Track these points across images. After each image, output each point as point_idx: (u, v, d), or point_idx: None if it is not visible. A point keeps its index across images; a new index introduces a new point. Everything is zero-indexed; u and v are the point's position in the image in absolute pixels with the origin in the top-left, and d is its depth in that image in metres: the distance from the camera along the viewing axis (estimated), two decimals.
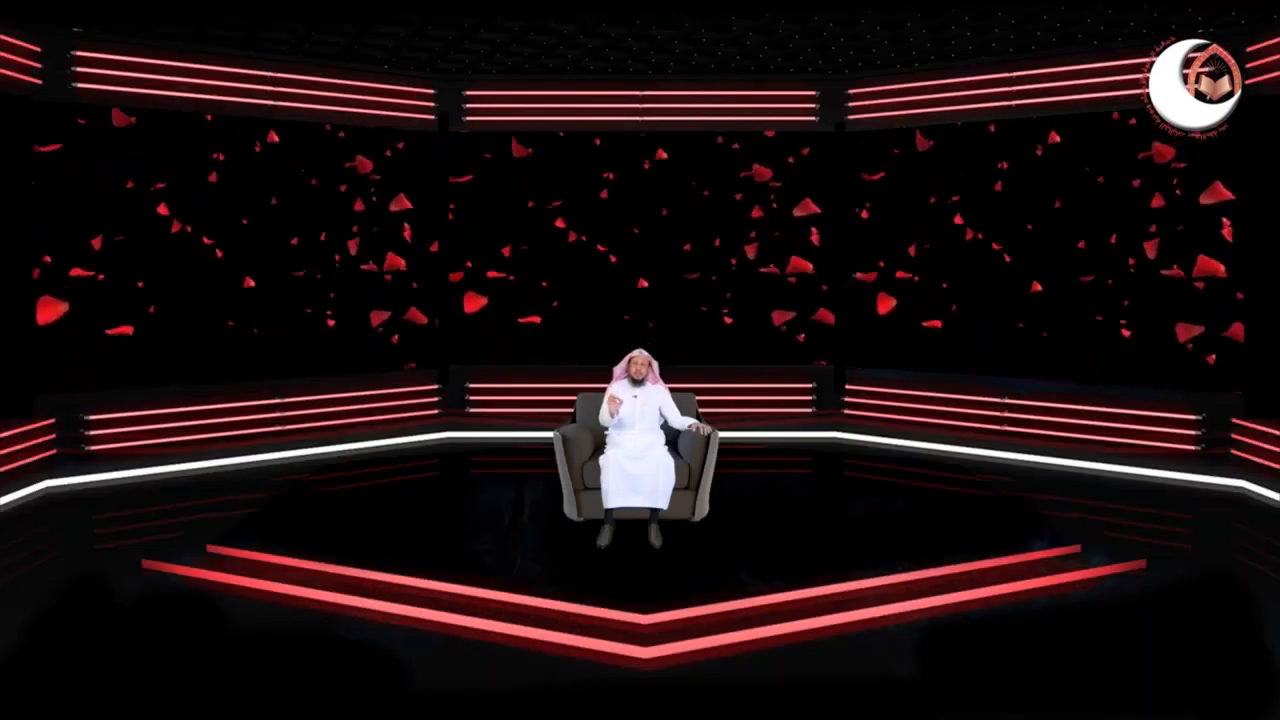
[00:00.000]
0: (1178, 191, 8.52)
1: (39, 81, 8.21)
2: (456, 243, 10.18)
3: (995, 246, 9.39)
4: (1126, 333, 8.79)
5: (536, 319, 10.19)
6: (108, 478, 7.95)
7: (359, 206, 9.75)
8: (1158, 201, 8.59)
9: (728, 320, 10.22)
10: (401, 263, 10.01)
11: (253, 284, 9.23)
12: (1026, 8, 7.67)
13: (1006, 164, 9.28)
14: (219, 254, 9.05)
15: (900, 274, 9.92)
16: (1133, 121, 8.55)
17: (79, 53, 8.38)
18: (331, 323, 9.66)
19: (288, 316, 9.43)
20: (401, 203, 9.98)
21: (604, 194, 10.17)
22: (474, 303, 10.20)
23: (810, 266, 10.19)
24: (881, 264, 10.02)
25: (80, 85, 8.39)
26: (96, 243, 8.49)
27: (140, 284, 8.69)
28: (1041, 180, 9.13)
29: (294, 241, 9.42)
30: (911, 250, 9.84)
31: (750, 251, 10.18)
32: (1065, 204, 9.02)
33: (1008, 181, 9.30)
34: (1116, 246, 8.81)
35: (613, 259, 10.21)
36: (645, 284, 10.21)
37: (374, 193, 9.82)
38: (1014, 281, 9.32)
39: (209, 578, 5.37)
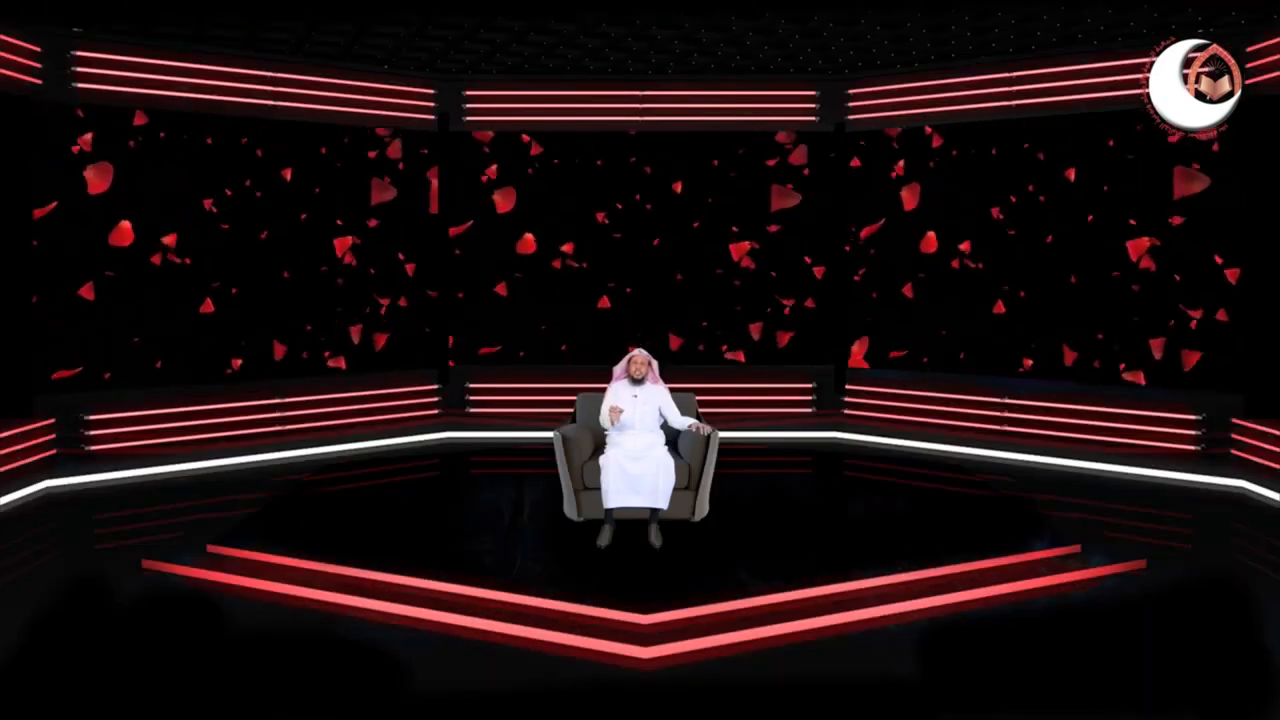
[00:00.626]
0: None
1: (39, 81, 8.21)
2: (455, 245, 10.21)
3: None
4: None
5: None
6: (108, 478, 7.95)
7: (360, 206, 9.77)
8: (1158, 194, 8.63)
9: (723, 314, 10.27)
10: (402, 262, 10.04)
11: (252, 283, 9.25)
12: (1026, 8, 7.67)
13: (1006, 164, 9.29)
14: (219, 254, 9.08)
15: (902, 273, 9.95)
16: (1139, 132, 8.57)
17: (79, 53, 8.38)
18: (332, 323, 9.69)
19: (288, 316, 9.44)
20: (400, 201, 10.00)
21: (600, 198, 10.18)
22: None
23: (809, 265, 10.21)
24: (882, 280, 10.05)
25: (80, 85, 8.39)
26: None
27: (140, 283, 8.71)
28: (1042, 181, 9.14)
29: (285, 258, 9.45)
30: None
31: (750, 249, 10.20)
32: (1067, 204, 9.05)
33: (1009, 181, 9.31)
34: (1117, 248, 8.82)
35: (612, 262, 10.23)
36: (644, 284, 10.23)
37: (375, 193, 9.83)
38: (1013, 280, 9.33)
39: (209, 578, 5.37)
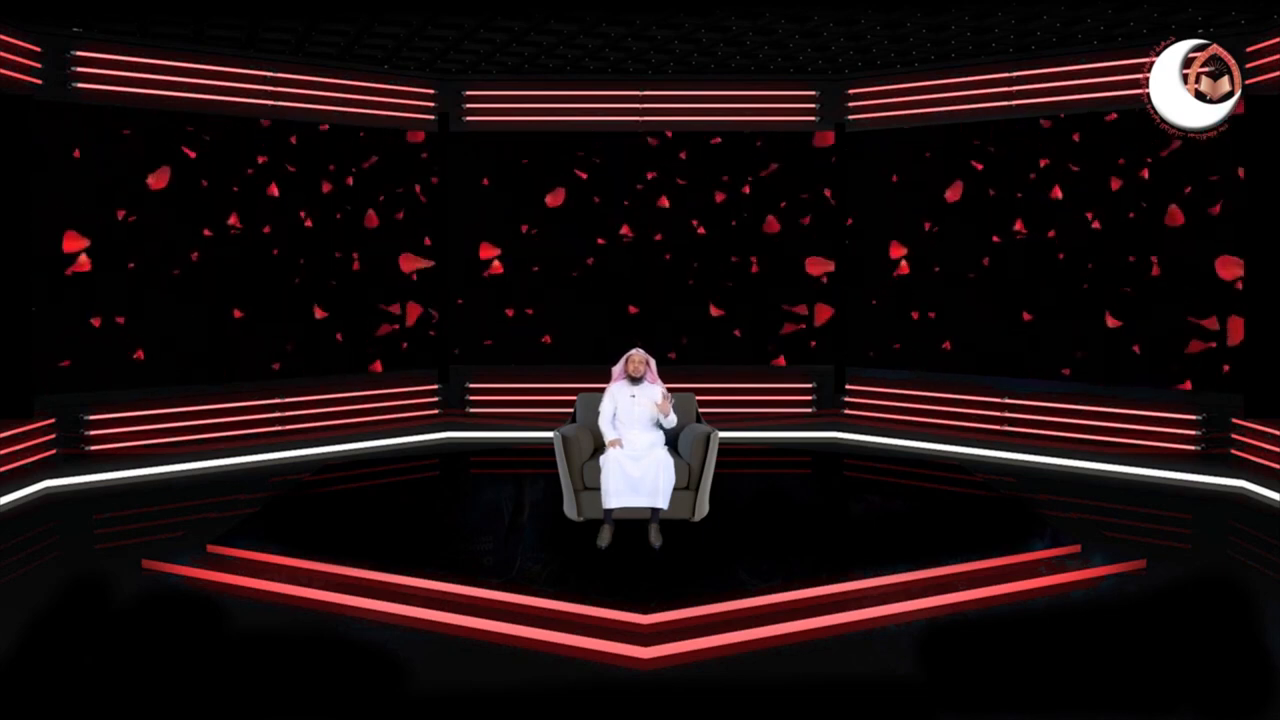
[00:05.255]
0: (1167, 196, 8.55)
1: (39, 81, 8.21)
2: (454, 246, 10.21)
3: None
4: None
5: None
6: (108, 478, 7.95)
7: (360, 204, 9.77)
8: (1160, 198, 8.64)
9: (724, 316, 10.26)
10: (401, 263, 10.03)
11: (252, 283, 9.25)
12: (1026, 8, 7.67)
13: (1006, 164, 9.29)
14: (220, 254, 9.08)
15: (900, 273, 9.94)
16: (1140, 132, 8.56)
17: (79, 53, 8.38)
18: (324, 316, 9.68)
19: (289, 317, 9.44)
20: (401, 202, 10.00)
21: (599, 198, 10.18)
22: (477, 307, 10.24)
23: (811, 265, 10.22)
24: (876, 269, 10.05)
25: (80, 85, 8.39)
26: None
27: (140, 284, 8.71)
28: (1042, 180, 9.14)
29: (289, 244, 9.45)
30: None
31: (751, 250, 10.20)
32: (1066, 204, 9.05)
33: (1007, 181, 9.31)
34: (1116, 248, 8.83)
35: (613, 259, 10.23)
36: (643, 285, 10.23)
37: (374, 192, 9.83)
38: (1013, 282, 9.33)
39: (209, 578, 5.37)
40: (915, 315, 9.86)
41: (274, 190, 9.30)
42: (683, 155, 10.15)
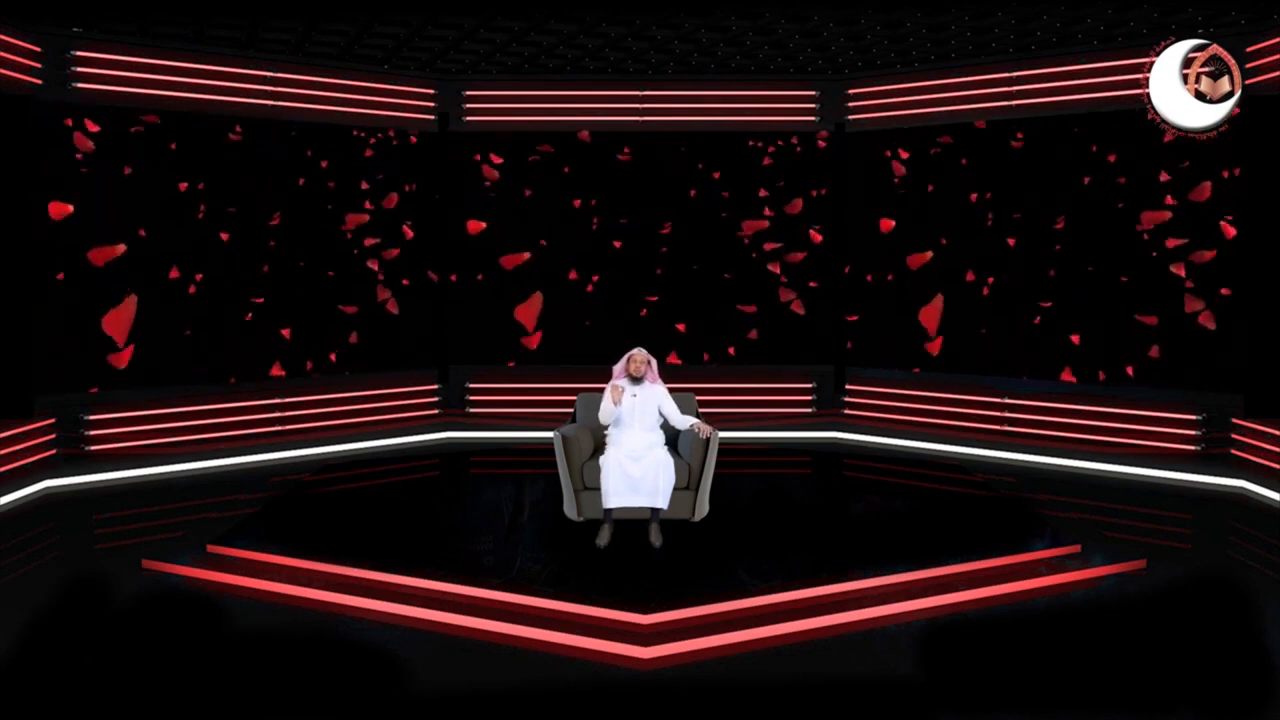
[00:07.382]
0: (1169, 199, 8.54)
1: (39, 81, 8.21)
2: (458, 246, 10.21)
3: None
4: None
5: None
6: (108, 478, 7.95)
7: (362, 205, 9.77)
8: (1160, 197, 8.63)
9: (732, 310, 10.26)
10: (399, 262, 10.04)
11: (251, 282, 9.25)
12: (1026, 8, 7.67)
13: (1005, 164, 9.29)
14: (219, 252, 9.08)
15: (900, 274, 9.94)
16: (1139, 132, 8.55)
17: (79, 53, 8.38)
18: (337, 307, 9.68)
19: (287, 316, 9.44)
20: (402, 203, 9.99)
21: (596, 197, 10.18)
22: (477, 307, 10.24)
23: (809, 266, 10.22)
24: (881, 266, 10.05)
25: (80, 85, 8.39)
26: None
27: (139, 284, 8.71)
28: (1042, 180, 9.14)
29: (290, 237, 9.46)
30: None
31: (749, 249, 10.20)
32: (1065, 204, 9.05)
33: (1004, 182, 9.31)
34: (1114, 248, 8.83)
35: (611, 259, 10.23)
36: (644, 284, 10.23)
37: (375, 193, 9.83)
38: (1011, 281, 9.33)
39: (209, 578, 5.37)
40: (921, 315, 9.87)
41: (271, 191, 9.30)
42: (682, 155, 10.13)
